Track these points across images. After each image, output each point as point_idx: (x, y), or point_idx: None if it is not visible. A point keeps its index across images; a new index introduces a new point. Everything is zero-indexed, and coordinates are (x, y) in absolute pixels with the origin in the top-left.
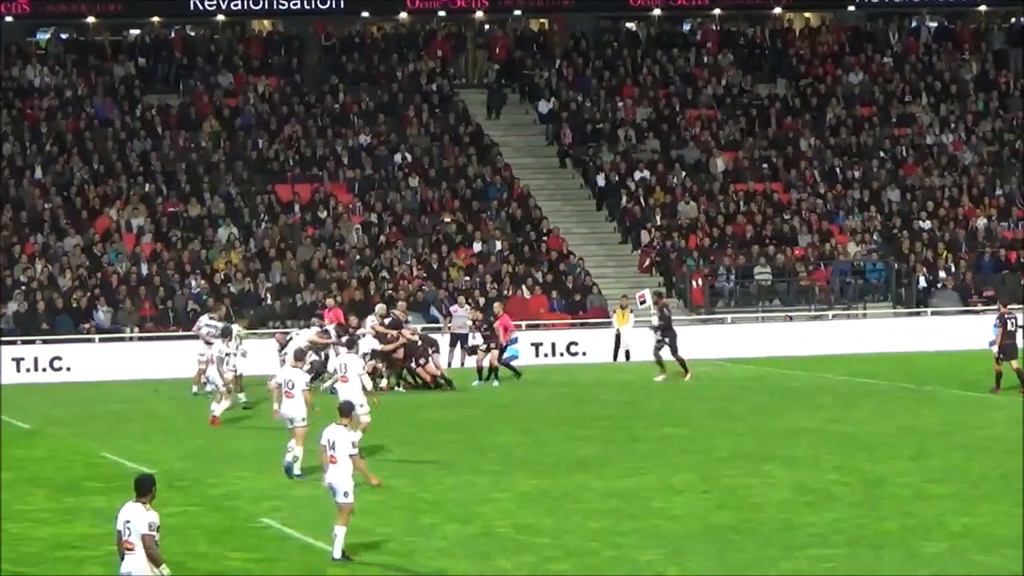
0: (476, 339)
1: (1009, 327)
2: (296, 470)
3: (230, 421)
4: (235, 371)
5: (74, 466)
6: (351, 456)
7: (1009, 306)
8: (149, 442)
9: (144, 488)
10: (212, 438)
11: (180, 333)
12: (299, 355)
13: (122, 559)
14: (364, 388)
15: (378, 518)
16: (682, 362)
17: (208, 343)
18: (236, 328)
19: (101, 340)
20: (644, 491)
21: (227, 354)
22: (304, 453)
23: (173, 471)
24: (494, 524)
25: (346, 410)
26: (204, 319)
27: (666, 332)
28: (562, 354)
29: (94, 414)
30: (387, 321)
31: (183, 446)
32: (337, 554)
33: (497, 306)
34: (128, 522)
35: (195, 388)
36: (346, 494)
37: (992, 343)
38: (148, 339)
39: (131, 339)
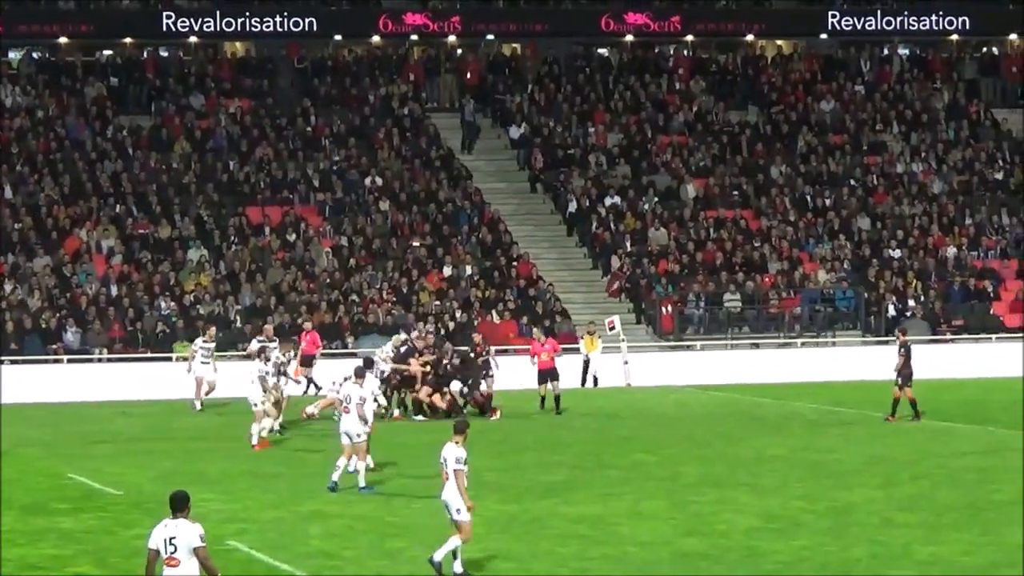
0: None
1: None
2: (362, 482)
3: (200, 440)
4: (281, 394)
5: (42, 487)
6: (456, 471)
7: (908, 335)
8: (117, 463)
9: (181, 503)
10: (180, 460)
11: (149, 355)
12: (359, 372)
13: None
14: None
15: (346, 541)
16: (479, 403)
17: (203, 363)
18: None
19: (70, 361)
20: (612, 517)
21: (266, 373)
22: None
23: (141, 492)
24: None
25: (460, 428)
26: (198, 342)
27: (467, 372)
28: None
29: (62, 435)
30: (402, 350)
31: (151, 468)
32: (459, 568)
33: (537, 331)
34: (173, 538)
35: (198, 405)
36: (459, 511)
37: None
38: (117, 360)
39: (100, 360)
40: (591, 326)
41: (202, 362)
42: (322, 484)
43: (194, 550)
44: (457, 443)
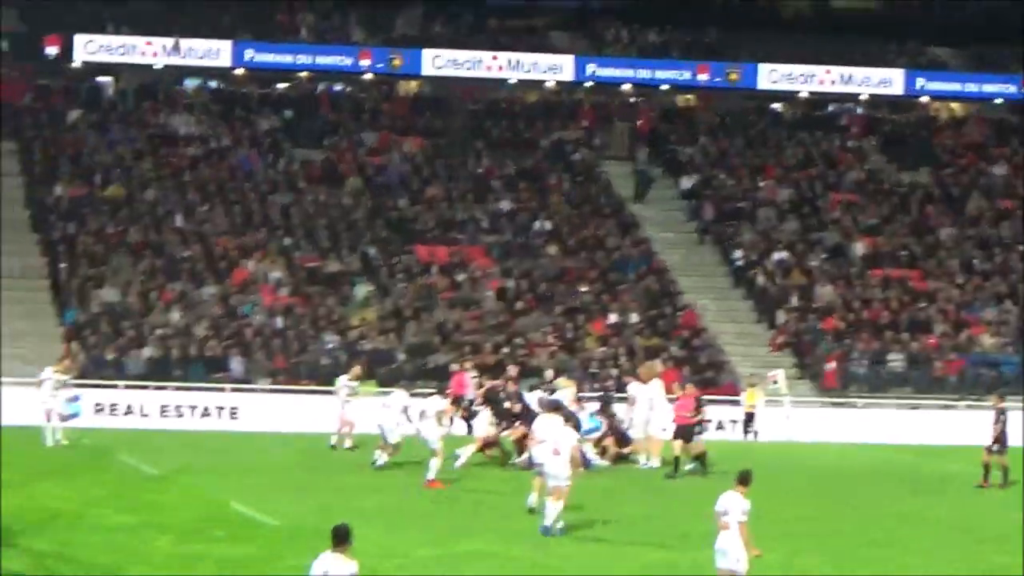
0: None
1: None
2: (560, 524)
3: (355, 475)
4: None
5: (201, 514)
6: (740, 523)
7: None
8: (277, 494)
9: (342, 537)
10: (339, 495)
11: (311, 387)
12: (564, 412)
13: None
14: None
15: None
16: None
17: (346, 402)
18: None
19: (233, 390)
20: (765, 570)
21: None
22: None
23: (299, 524)
24: None
25: (745, 479)
26: (343, 379)
27: None
28: None
29: (225, 463)
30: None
31: (310, 501)
32: None
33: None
34: (327, 573)
35: (333, 440)
36: (738, 560)
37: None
38: (279, 391)
39: (263, 391)
40: (753, 378)
41: (346, 400)
42: (476, 524)
43: None
44: (741, 493)
